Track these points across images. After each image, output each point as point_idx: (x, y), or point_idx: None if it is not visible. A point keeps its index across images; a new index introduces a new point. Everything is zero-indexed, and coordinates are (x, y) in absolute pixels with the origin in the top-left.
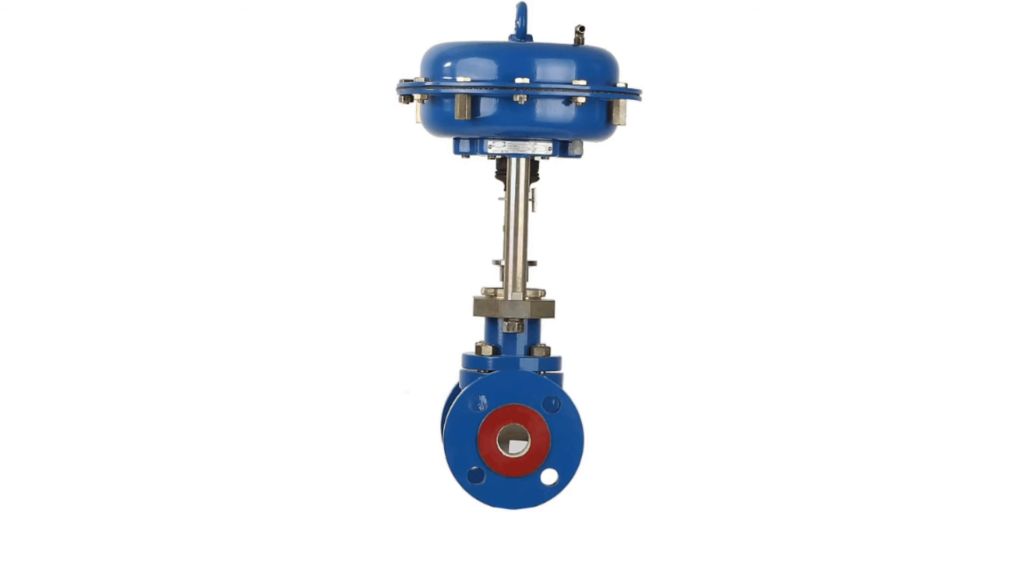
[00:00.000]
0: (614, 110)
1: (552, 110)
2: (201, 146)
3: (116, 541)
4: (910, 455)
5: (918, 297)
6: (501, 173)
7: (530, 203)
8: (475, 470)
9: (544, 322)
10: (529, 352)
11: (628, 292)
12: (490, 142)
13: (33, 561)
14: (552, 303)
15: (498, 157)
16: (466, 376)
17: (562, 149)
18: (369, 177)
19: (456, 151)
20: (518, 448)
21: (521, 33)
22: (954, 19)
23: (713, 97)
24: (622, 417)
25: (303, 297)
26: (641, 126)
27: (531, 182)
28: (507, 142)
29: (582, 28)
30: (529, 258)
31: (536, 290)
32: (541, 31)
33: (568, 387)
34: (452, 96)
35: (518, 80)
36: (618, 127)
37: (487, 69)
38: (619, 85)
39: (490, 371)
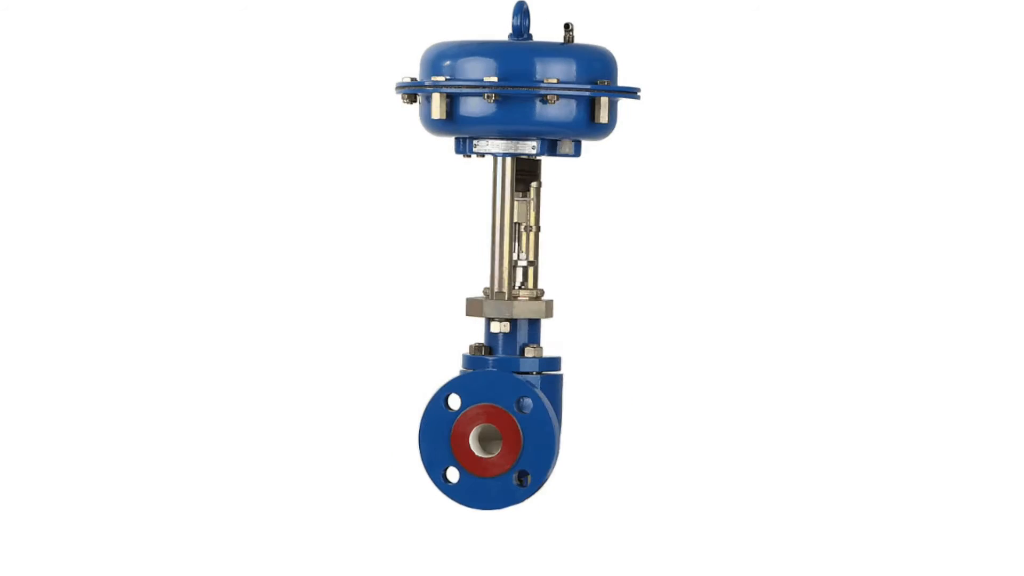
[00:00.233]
0: (596, 109)
1: (529, 109)
2: (201, 146)
3: (116, 541)
4: (910, 455)
5: (917, 297)
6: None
7: (530, 203)
8: (448, 470)
9: (544, 322)
10: (522, 352)
11: (628, 292)
12: (476, 141)
13: (33, 561)
14: (549, 303)
15: (482, 156)
16: None
17: (551, 148)
18: (370, 177)
19: (457, 151)
20: (490, 449)
21: (518, 32)
22: (954, 19)
23: (713, 97)
24: (621, 417)
25: (303, 297)
26: (641, 126)
27: (531, 182)
28: (491, 141)
29: (570, 26)
30: (529, 258)
31: (534, 290)
32: (542, 31)
33: (568, 387)
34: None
35: (486, 79)
36: (617, 127)
37: (465, 68)
38: (608, 84)
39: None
